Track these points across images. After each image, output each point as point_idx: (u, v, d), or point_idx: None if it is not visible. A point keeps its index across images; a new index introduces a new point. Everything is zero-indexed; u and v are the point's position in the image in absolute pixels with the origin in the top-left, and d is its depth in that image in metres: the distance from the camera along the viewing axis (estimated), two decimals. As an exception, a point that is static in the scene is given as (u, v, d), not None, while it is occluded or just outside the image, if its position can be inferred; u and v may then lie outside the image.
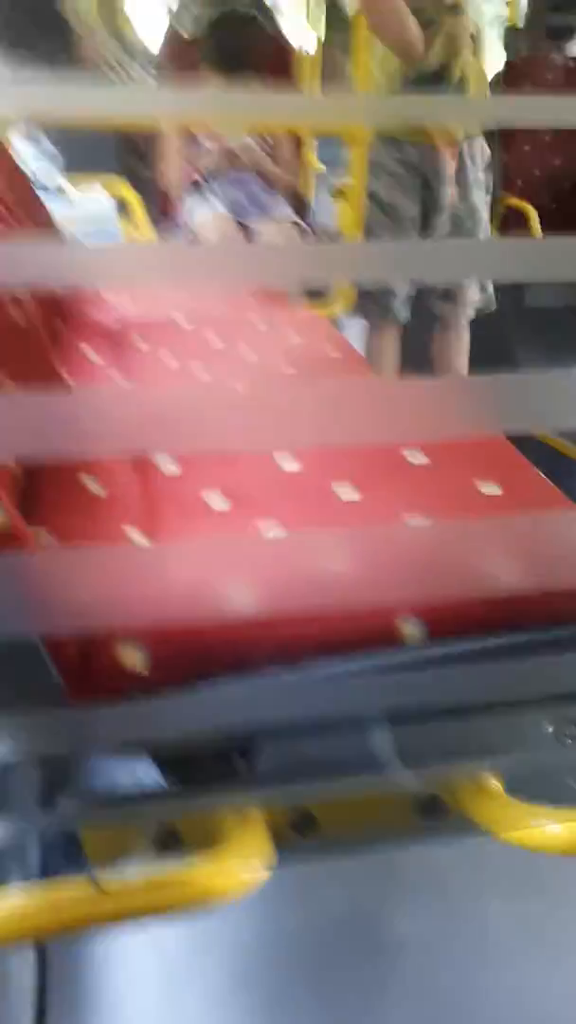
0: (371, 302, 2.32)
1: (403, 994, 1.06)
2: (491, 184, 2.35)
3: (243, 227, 2.66)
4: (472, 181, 2.26)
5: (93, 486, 0.96)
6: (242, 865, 0.68)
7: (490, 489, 0.95)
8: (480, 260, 0.63)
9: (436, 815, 0.79)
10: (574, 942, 1.13)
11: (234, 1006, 1.03)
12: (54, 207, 2.25)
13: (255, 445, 0.56)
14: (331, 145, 3.56)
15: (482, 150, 2.28)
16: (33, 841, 0.73)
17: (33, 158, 2.49)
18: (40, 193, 2.09)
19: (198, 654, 0.72)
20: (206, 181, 2.71)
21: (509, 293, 2.42)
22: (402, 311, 2.32)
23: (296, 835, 0.77)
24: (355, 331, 2.62)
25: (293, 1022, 1.01)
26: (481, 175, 2.28)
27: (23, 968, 0.98)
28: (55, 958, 1.04)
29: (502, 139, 2.67)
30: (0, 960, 0.87)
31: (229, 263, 0.57)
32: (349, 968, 1.07)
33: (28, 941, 0.91)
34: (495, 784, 0.77)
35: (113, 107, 0.73)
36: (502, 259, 0.61)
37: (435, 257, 0.60)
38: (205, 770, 0.76)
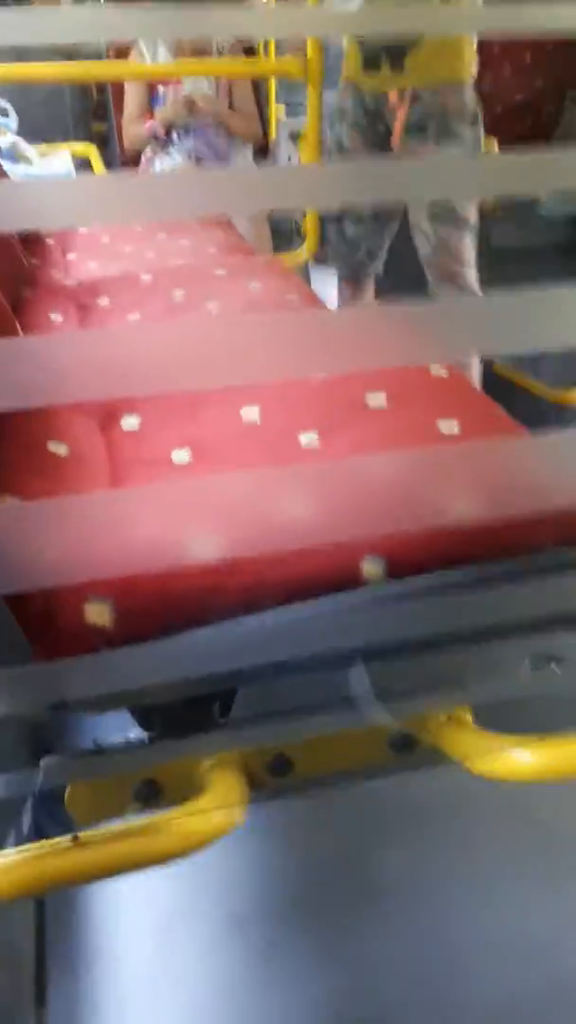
0: (343, 256, 2.27)
1: (395, 931, 1.08)
2: (478, 140, 2.19)
3: (204, 177, 2.62)
4: (447, 132, 2.08)
5: (58, 448, 0.96)
6: (220, 809, 0.69)
7: (449, 427, 0.95)
8: (433, 178, 0.61)
9: (409, 750, 0.81)
10: (559, 873, 1.15)
11: (229, 951, 1.06)
12: (10, 168, 2.22)
13: (207, 382, 0.56)
14: (292, 90, 3.50)
15: (464, 102, 2.06)
16: (22, 804, 0.74)
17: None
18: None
19: (163, 605, 0.73)
20: (167, 134, 2.66)
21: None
22: (375, 265, 2.27)
23: (273, 777, 0.78)
24: (324, 281, 2.60)
25: (287, 964, 1.04)
26: (464, 129, 2.06)
27: (21, 926, 1.01)
28: (52, 915, 1.06)
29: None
30: (-2, 918, 0.89)
31: (182, 191, 0.56)
32: (340, 908, 1.10)
33: (19, 898, 0.93)
34: (466, 716, 0.79)
35: (56, 31, 0.69)
36: (457, 176, 0.60)
37: (392, 176, 0.59)
38: (181, 719, 0.77)
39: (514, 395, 2.15)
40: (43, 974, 1.01)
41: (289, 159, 3.08)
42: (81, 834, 0.65)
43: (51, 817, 0.76)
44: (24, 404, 0.52)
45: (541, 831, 1.19)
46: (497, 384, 2.17)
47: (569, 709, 0.83)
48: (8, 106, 2.41)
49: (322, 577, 0.75)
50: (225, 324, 0.54)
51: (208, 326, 0.54)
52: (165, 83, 2.66)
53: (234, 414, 1.02)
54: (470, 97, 2.04)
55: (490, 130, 2.23)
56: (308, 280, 2.61)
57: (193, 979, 1.03)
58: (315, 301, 1.47)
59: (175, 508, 0.61)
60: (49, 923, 1.06)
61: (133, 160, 2.79)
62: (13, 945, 0.98)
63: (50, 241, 1.96)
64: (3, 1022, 0.90)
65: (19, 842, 0.73)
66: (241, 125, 2.73)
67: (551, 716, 0.82)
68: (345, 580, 0.75)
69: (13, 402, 0.52)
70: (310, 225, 2.29)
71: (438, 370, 1.07)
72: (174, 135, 2.67)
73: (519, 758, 0.73)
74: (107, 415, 1.07)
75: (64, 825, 0.74)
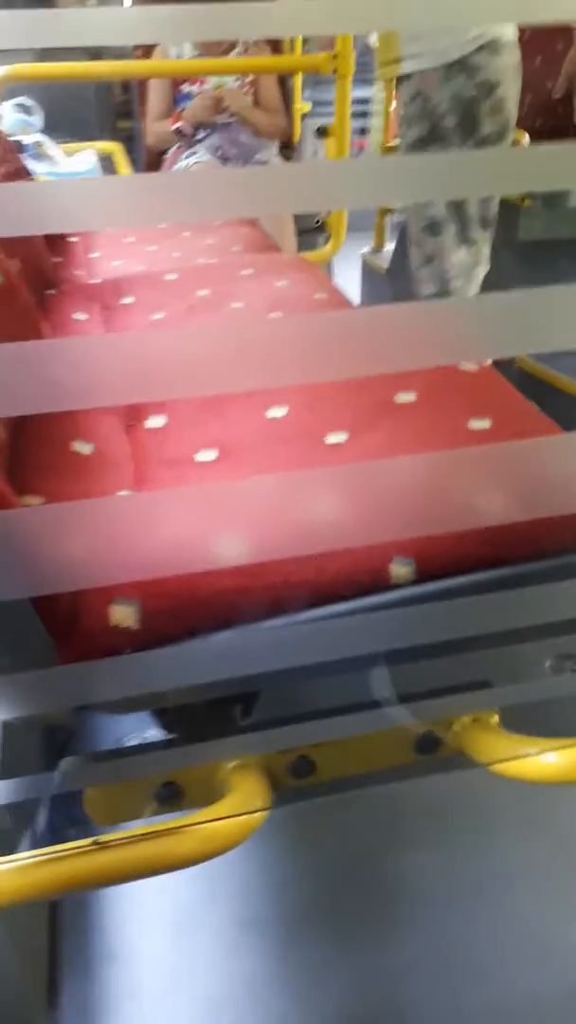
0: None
1: (410, 933, 1.07)
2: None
3: (229, 175, 2.62)
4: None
5: (82, 448, 0.96)
6: (240, 811, 0.68)
7: (479, 424, 0.94)
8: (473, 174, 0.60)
9: (433, 751, 0.80)
10: (572, 878, 1.14)
11: (244, 950, 1.05)
12: (35, 167, 2.22)
13: (237, 385, 0.55)
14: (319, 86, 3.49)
15: None
16: (40, 803, 0.73)
17: (8, 116, 2.44)
18: (21, 155, 2.06)
19: (190, 607, 0.72)
20: (193, 131, 2.66)
21: (502, 225, 2.36)
22: None
23: (295, 779, 0.78)
24: (348, 277, 2.58)
25: (302, 964, 1.03)
26: None
27: (35, 927, 1.00)
28: (66, 913, 1.06)
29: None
30: (12, 920, 0.89)
31: (210, 191, 0.55)
32: (356, 910, 1.09)
33: (40, 900, 0.92)
34: (491, 718, 0.78)
35: (83, 33, 0.68)
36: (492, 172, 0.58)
37: (430, 173, 0.58)
38: (204, 721, 0.76)
39: (539, 391, 2.12)
40: (57, 972, 1.00)
41: (315, 154, 3.07)
42: (103, 837, 0.65)
43: (68, 817, 0.75)
44: (51, 408, 0.52)
45: (558, 834, 1.18)
46: (522, 380, 2.15)
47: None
48: (33, 104, 2.41)
49: (350, 579, 0.74)
50: (254, 327, 0.53)
51: (236, 329, 0.52)
52: (191, 80, 2.66)
53: (260, 413, 1.01)
54: None
55: (519, 123, 2.19)
56: (331, 276, 2.60)
57: (208, 978, 1.03)
58: (343, 300, 1.46)
59: (202, 511, 0.61)
60: (63, 920, 1.06)
61: (157, 158, 2.78)
62: (27, 942, 0.97)
63: (73, 239, 1.95)
64: (17, 1019, 0.90)
65: (34, 842, 0.73)
66: (266, 122, 2.72)
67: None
68: (373, 582, 0.74)
69: (40, 406, 0.52)
70: (335, 223, 2.28)
71: (468, 366, 1.06)
72: (200, 132, 2.67)
73: (545, 760, 0.73)
74: (132, 414, 1.06)
75: (81, 825, 0.74)
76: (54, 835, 0.71)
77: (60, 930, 1.04)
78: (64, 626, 0.70)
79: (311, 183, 0.57)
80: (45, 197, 0.52)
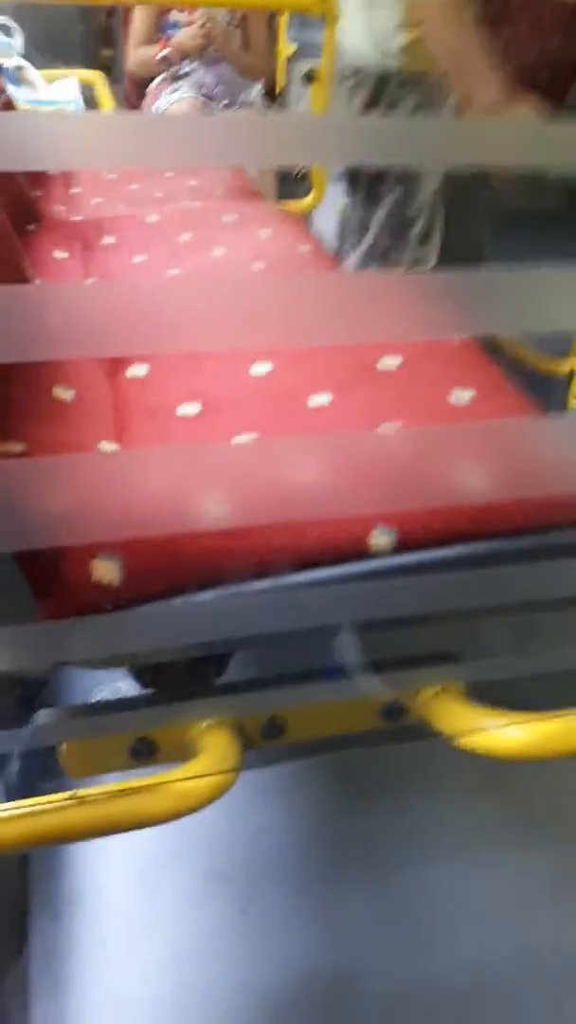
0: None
1: (369, 892, 1.10)
2: None
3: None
4: None
5: (64, 394, 0.95)
6: (213, 770, 0.69)
7: (463, 395, 0.94)
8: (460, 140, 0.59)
9: (400, 720, 0.81)
10: (533, 843, 1.18)
11: (208, 902, 1.07)
12: (15, 92, 2.15)
13: (224, 344, 0.54)
14: (308, 27, 3.40)
15: None
16: (14, 754, 0.74)
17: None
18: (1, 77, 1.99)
19: (172, 566, 0.72)
20: (179, 61, 2.59)
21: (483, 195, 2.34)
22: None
23: (265, 740, 0.79)
24: (327, 227, 2.54)
25: (264, 917, 1.06)
26: None
27: (6, 877, 1.02)
28: (36, 866, 1.07)
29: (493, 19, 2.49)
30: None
31: (196, 136, 0.54)
32: (317, 868, 1.12)
33: (17, 851, 0.93)
34: (458, 690, 0.79)
35: None
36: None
37: (416, 134, 0.57)
38: (179, 680, 0.77)
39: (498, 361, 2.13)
40: (25, 917, 1.02)
41: (300, 99, 3.00)
42: (80, 792, 0.65)
43: (42, 769, 0.76)
44: (35, 357, 0.51)
45: (512, 802, 1.21)
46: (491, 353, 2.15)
47: (559, 687, 0.84)
48: (14, 25, 2.31)
49: (331, 545, 0.74)
50: (243, 285, 0.52)
51: (226, 286, 0.52)
52: (179, 10, 2.58)
53: (244, 369, 1.00)
54: None
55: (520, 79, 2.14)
56: (310, 226, 2.57)
57: (172, 927, 1.05)
58: (326, 256, 1.44)
59: (186, 471, 0.60)
60: (32, 867, 1.07)
61: (139, 88, 2.71)
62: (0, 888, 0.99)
63: (55, 173, 1.90)
64: None
65: (8, 793, 0.73)
66: (252, 63, 2.66)
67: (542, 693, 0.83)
68: (354, 549, 0.74)
69: (23, 355, 0.51)
70: (317, 174, 2.25)
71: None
72: (185, 65, 2.60)
73: (508, 735, 0.74)
74: (114, 361, 1.05)
75: (56, 778, 0.74)
76: (29, 787, 0.71)
77: (30, 875, 1.06)
78: (46, 580, 0.70)
79: (299, 137, 0.56)
80: (30, 130, 0.51)
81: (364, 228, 2.05)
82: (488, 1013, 0.98)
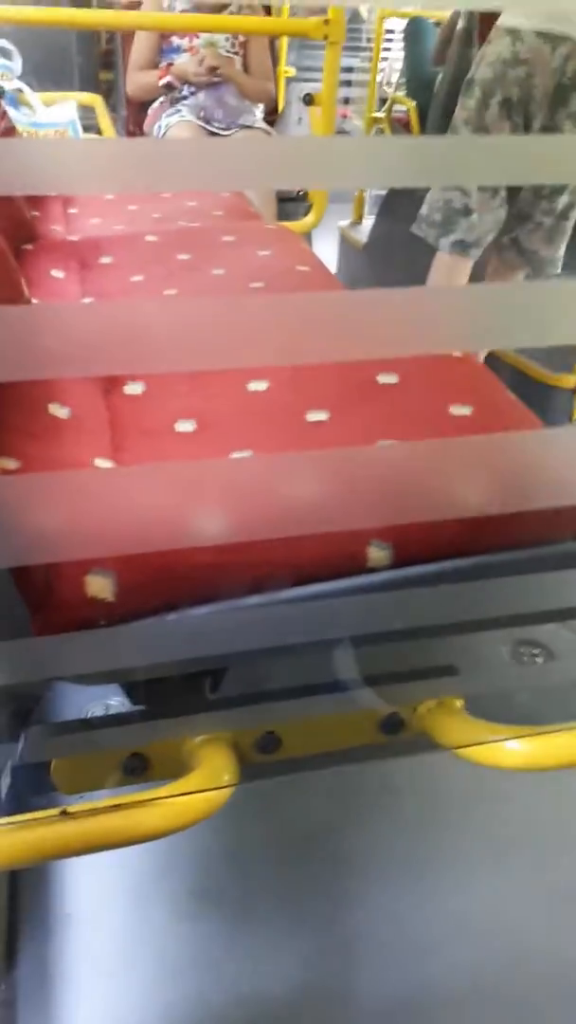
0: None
1: (365, 906, 1.10)
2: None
3: (213, 136, 2.58)
4: None
5: (59, 411, 0.95)
6: (208, 786, 0.69)
7: (461, 410, 0.94)
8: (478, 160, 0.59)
9: (397, 732, 0.81)
10: (528, 856, 1.17)
11: (200, 919, 1.06)
12: (13, 115, 2.17)
13: (221, 363, 0.54)
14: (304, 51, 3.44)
15: None
16: (3, 771, 0.73)
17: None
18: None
19: (166, 581, 0.72)
20: (178, 87, 2.61)
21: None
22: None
23: (261, 754, 0.78)
24: (327, 247, 2.56)
25: (258, 933, 1.05)
26: None
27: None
28: (25, 879, 1.06)
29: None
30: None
31: (195, 160, 0.55)
32: (312, 882, 1.11)
33: (5, 868, 0.93)
34: (456, 703, 0.79)
35: None
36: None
37: (427, 155, 0.57)
38: (173, 695, 0.76)
39: (504, 374, 2.13)
40: (14, 936, 1.01)
41: (300, 120, 3.03)
42: (70, 808, 0.65)
43: (33, 785, 0.75)
44: (31, 376, 0.51)
45: (508, 818, 1.21)
46: (493, 365, 2.16)
47: (557, 701, 0.84)
48: (12, 48, 2.34)
49: (327, 560, 0.74)
50: (241, 305, 0.53)
51: (222, 306, 0.52)
52: (180, 35, 2.61)
53: (241, 386, 1.00)
54: None
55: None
56: (310, 245, 2.59)
57: (164, 944, 1.04)
58: (326, 273, 1.45)
59: (181, 488, 0.60)
60: (21, 884, 1.06)
61: (139, 110, 2.73)
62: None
63: (53, 194, 1.92)
64: None
65: (-1, 808, 0.73)
66: (253, 86, 2.69)
67: (540, 706, 0.83)
68: (351, 564, 0.74)
69: (20, 373, 0.51)
70: (317, 194, 2.26)
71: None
72: (185, 89, 2.63)
73: (507, 748, 0.74)
74: (110, 379, 1.05)
75: (45, 793, 0.74)
76: (18, 803, 0.71)
77: (18, 891, 1.05)
78: (40, 595, 0.70)
79: (299, 159, 0.56)
80: (30, 157, 0.51)
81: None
82: (488, 1021, 0.98)
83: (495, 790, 1.21)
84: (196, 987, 0.99)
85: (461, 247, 2.11)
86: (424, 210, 2.15)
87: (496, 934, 1.06)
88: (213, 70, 2.55)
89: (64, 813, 0.64)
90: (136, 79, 2.66)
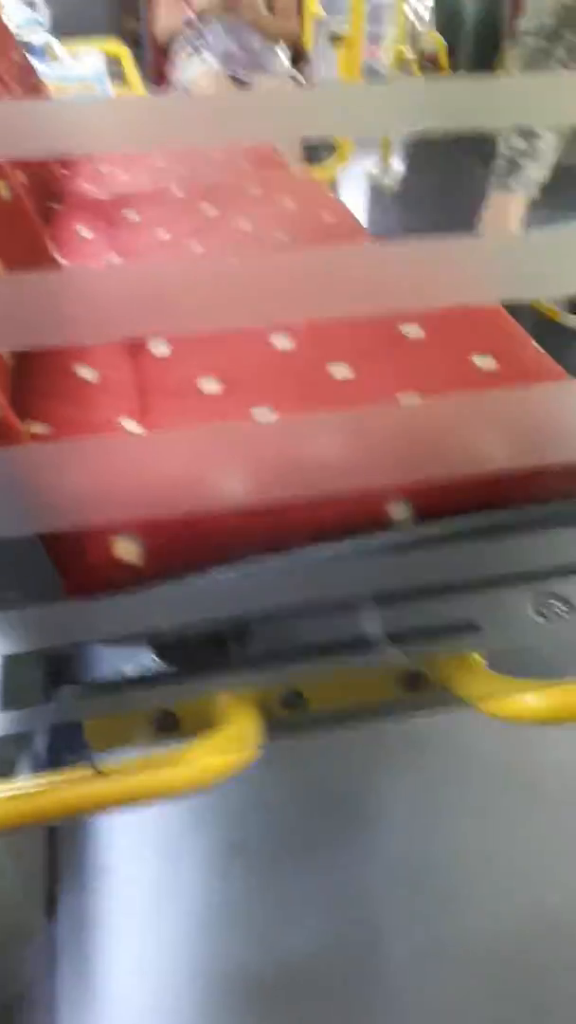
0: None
1: (389, 859, 1.12)
2: None
3: (237, 82, 2.54)
4: None
5: (86, 373, 0.95)
6: (236, 744, 0.70)
7: (485, 362, 0.93)
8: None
9: (420, 690, 0.82)
10: (549, 808, 1.19)
11: (230, 874, 1.10)
12: (42, 68, 2.15)
13: (249, 321, 0.55)
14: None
15: None
16: (39, 730, 0.75)
17: (16, 12, 2.35)
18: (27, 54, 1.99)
19: (191, 544, 0.73)
20: (201, 26, 2.56)
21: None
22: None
23: (286, 712, 0.80)
24: (352, 194, 2.52)
25: (284, 886, 1.08)
26: None
27: (35, 847, 1.04)
28: (64, 836, 1.10)
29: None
30: (12, 840, 0.92)
31: (223, 114, 0.54)
32: (337, 836, 1.13)
33: (39, 824, 0.96)
34: (477, 659, 0.79)
35: None
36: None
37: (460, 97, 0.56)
38: (200, 654, 0.78)
39: (533, 321, 2.09)
40: (54, 888, 1.05)
41: (326, 61, 2.97)
42: (102, 765, 0.67)
43: (67, 742, 0.78)
44: (60, 342, 0.51)
45: (532, 769, 1.22)
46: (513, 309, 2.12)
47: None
48: (40, 1, 2.32)
49: (349, 519, 0.75)
50: (264, 261, 0.52)
51: (246, 264, 0.52)
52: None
53: (265, 343, 1.00)
54: None
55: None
56: (336, 193, 2.55)
57: (194, 897, 1.08)
58: (353, 223, 1.43)
59: (205, 451, 0.61)
60: (60, 838, 1.10)
61: (163, 57, 2.69)
62: (27, 857, 1.01)
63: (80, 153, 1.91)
64: (15, 934, 0.95)
65: (35, 766, 0.75)
66: (277, 26, 2.63)
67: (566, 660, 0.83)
68: (371, 523, 0.75)
69: (49, 339, 0.51)
70: (341, 137, 2.22)
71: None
72: (207, 34, 2.58)
73: (527, 701, 0.75)
74: (136, 340, 1.06)
75: (80, 751, 0.76)
76: (54, 759, 0.73)
77: (58, 846, 1.09)
78: (69, 559, 0.71)
79: (322, 108, 0.55)
80: (60, 118, 0.51)
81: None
82: (511, 973, 1.00)
83: (519, 744, 1.22)
84: (226, 938, 1.02)
85: (526, 185, 2.10)
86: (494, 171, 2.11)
87: (519, 887, 1.08)
88: None
89: (96, 771, 0.66)
90: (161, 19, 2.62)
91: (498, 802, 1.19)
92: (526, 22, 1.97)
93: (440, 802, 1.18)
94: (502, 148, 2.05)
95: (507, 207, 2.10)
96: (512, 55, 2.01)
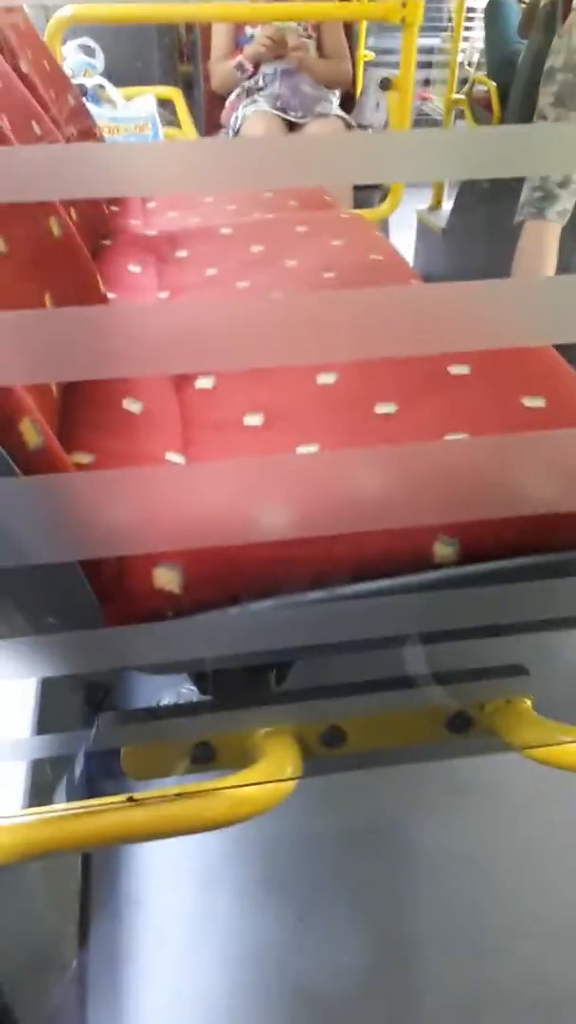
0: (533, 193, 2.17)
1: (426, 902, 1.10)
2: None
3: (289, 125, 2.58)
4: None
5: (132, 406, 0.97)
6: (273, 777, 0.70)
7: (534, 402, 0.93)
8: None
9: (465, 731, 0.81)
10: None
11: (266, 909, 1.08)
12: (95, 111, 2.21)
13: (292, 360, 0.55)
14: (382, 33, 3.40)
15: None
16: (76, 756, 0.76)
17: (73, 57, 2.42)
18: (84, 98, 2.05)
19: (232, 575, 0.73)
20: (254, 71, 2.62)
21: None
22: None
23: (325, 748, 0.79)
24: (405, 233, 2.53)
25: (322, 926, 1.06)
26: None
27: (68, 875, 1.04)
28: (98, 865, 1.10)
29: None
30: (47, 867, 0.92)
31: (271, 160, 0.55)
32: (375, 875, 1.12)
33: (74, 852, 0.96)
34: (525, 702, 0.78)
35: None
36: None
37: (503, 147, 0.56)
38: (240, 686, 0.78)
39: None
40: (87, 916, 1.04)
41: (378, 106, 3.01)
42: (137, 795, 0.66)
43: (104, 770, 0.78)
44: (107, 375, 0.52)
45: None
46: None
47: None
48: (95, 46, 2.38)
49: (393, 556, 0.74)
50: (310, 300, 0.53)
51: (291, 303, 0.52)
52: (254, 24, 2.62)
53: (310, 377, 1.01)
54: None
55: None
56: (387, 234, 2.57)
57: (229, 932, 1.06)
58: (400, 262, 1.44)
59: (248, 483, 0.61)
60: (94, 867, 1.09)
61: (218, 103, 2.75)
62: (60, 887, 1.01)
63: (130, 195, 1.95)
64: (46, 960, 0.94)
65: (71, 792, 0.75)
66: (327, 71, 2.67)
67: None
68: (416, 560, 0.74)
69: (96, 372, 0.52)
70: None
71: (526, 341, 1.05)
72: (260, 79, 2.63)
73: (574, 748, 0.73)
74: (182, 374, 1.07)
75: (117, 779, 0.76)
76: (90, 787, 0.73)
77: (92, 875, 1.08)
78: (110, 587, 0.72)
79: (374, 154, 0.56)
80: (114, 160, 0.53)
81: None
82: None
83: (563, 791, 1.19)
84: (262, 975, 1.01)
85: (561, 215, 2.12)
86: (524, 197, 2.13)
87: (563, 936, 1.05)
88: (282, 44, 2.54)
89: (131, 799, 0.65)
90: (216, 70, 2.68)
91: (542, 848, 1.16)
92: (555, 59, 2.01)
93: (482, 846, 1.16)
94: (536, 179, 2.09)
95: (542, 236, 2.13)
96: (544, 92, 2.04)
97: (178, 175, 0.54)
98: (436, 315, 0.55)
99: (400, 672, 0.74)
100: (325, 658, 0.76)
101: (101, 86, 2.30)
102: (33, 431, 0.67)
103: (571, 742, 0.72)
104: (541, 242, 2.13)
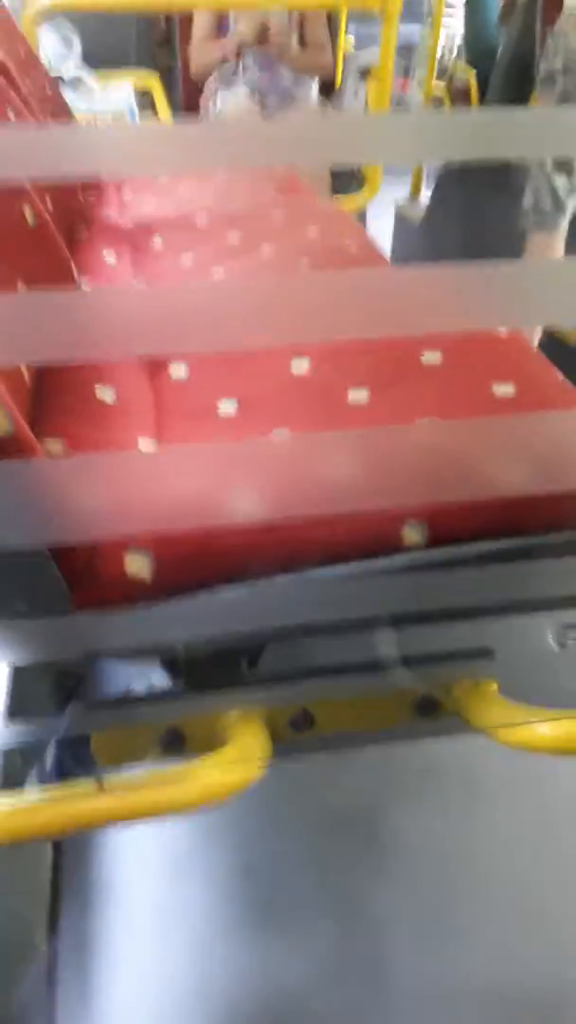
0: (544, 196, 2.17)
1: (398, 888, 1.11)
2: None
3: (267, 114, 2.58)
4: None
5: (105, 394, 0.96)
6: (241, 762, 0.70)
7: (504, 390, 0.93)
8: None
9: (432, 715, 0.81)
10: (565, 839, 1.17)
11: (236, 896, 1.09)
12: (72, 99, 2.19)
13: (267, 341, 0.55)
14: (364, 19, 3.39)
15: None
16: (47, 745, 0.76)
17: (49, 44, 2.40)
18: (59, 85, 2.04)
19: (202, 560, 0.73)
20: (237, 58, 2.61)
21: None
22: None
23: (294, 732, 0.79)
24: (380, 224, 2.53)
25: (291, 912, 1.07)
26: None
27: (38, 862, 1.04)
28: (68, 852, 1.10)
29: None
30: (17, 855, 0.92)
31: (246, 142, 0.55)
32: (346, 863, 1.12)
33: (42, 838, 0.96)
34: (491, 686, 0.79)
35: None
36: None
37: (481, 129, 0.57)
38: (210, 672, 0.78)
39: (565, 351, 2.10)
40: (57, 904, 1.04)
41: (356, 95, 3.00)
42: (106, 780, 0.67)
43: (74, 757, 0.78)
44: (79, 357, 0.52)
45: (548, 802, 1.21)
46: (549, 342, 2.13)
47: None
48: (74, 36, 2.36)
49: (361, 540, 0.74)
50: (281, 283, 0.53)
51: (263, 285, 0.52)
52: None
53: (283, 366, 1.01)
54: None
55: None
56: (364, 224, 2.57)
57: (199, 918, 1.07)
58: (375, 252, 1.44)
59: (219, 469, 0.61)
60: (64, 856, 1.09)
61: (196, 91, 2.74)
62: (29, 876, 1.01)
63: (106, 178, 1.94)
64: (17, 949, 0.94)
65: (42, 780, 0.75)
66: (307, 61, 2.67)
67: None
68: (385, 544, 0.75)
69: (68, 355, 0.52)
70: (371, 169, 2.25)
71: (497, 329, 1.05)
72: (240, 66, 2.62)
73: (540, 731, 0.74)
74: (156, 361, 1.07)
75: (87, 766, 0.76)
76: (61, 774, 0.73)
77: (62, 861, 1.08)
78: (80, 573, 0.71)
79: (349, 136, 0.56)
80: (87, 143, 0.53)
81: None
82: (520, 1018, 0.98)
83: (536, 774, 1.20)
84: (231, 961, 1.01)
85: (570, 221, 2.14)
86: (528, 202, 2.13)
87: (534, 924, 1.06)
88: (264, 30, 2.53)
89: (100, 785, 0.66)
90: (197, 54, 2.67)
91: (512, 835, 1.17)
92: (553, 62, 2.02)
93: (454, 830, 1.17)
94: (542, 186, 2.08)
95: (551, 244, 2.14)
96: (546, 96, 2.05)
97: (154, 156, 0.54)
98: (404, 297, 0.55)
99: (369, 655, 0.75)
100: (294, 642, 0.77)
101: (79, 77, 2.29)
102: (2, 416, 0.67)
103: (536, 722, 0.73)
104: (551, 252, 2.14)
